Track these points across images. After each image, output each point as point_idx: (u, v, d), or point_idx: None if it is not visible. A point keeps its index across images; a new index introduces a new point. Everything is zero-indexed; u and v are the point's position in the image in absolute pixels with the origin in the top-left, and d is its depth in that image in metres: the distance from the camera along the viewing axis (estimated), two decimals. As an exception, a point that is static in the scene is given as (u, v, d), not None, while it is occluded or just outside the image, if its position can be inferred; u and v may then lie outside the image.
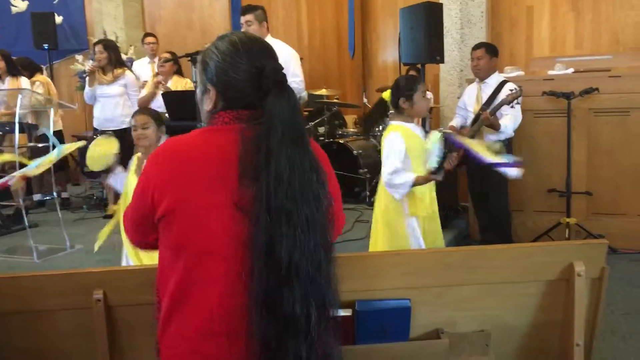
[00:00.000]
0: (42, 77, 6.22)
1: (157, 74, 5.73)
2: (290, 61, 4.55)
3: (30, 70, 6.10)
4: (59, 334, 1.84)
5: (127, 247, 3.05)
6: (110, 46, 5.68)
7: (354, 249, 4.24)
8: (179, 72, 5.76)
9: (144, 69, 6.30)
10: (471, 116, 4.56)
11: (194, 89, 5.36)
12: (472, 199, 4.89)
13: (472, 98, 4.62)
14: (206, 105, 1.39)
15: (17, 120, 4.37)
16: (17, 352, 1.83)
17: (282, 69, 1.38)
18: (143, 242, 1.48)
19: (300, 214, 1.26)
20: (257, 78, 1.34)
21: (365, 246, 3.78)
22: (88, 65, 5.74)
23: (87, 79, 5.68)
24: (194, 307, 1.30)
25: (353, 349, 1.80)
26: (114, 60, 5.61)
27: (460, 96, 5.04)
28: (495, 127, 4.24)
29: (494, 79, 4.51)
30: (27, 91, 4.71)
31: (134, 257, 2.97)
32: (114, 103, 5.64)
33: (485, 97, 4.47)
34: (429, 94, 5.62)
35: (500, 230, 4.51)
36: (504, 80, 4.49)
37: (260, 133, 1.28)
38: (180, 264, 1.31)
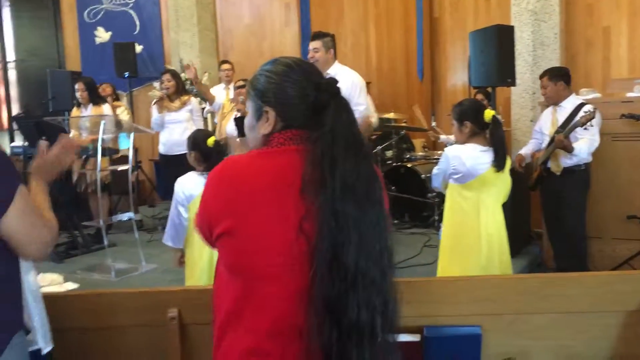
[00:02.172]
0: (122, 103, 6.61)
1: (232, 101, 5.95)
2: (354, 89, 4.58)
3: (115, 96, 6.55)
4: (134, 350, 1.91)
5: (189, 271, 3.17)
6: (177, 75, 6.05)
7: (422, 274, 4.18)
8: None
9: (220, 94, 6.59)
10: (547, 139, 4.43)
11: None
12: (546, 224, 4.73)
13: (547, 122, 4.50)
14: (263, 129, 1.40)
15: (99, 144, 4.61)
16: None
17: (337, 82, 1.40)
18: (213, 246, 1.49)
19: (366, 220, 1.28)
20: (314, 94, 1.36)
21: (434, 271, 3.72)
22: (158, 92, 6.04)
23: (155, 106, 5.95)
24: (247, 327, 1.32)
25: (421, 375, 1.78)
26: (181, 87, 5.96)
27: (534, 119, 4.92)
28: (568, 149, 4.12)
29: (570, 102, 4.36)
30: (109, 117, 4.97)
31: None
32: (182, 128, 5.88)
33: (561, 120, 4.34)
34: (499, 117, 5.52)
35: (576, 258, 4.34)
36: (582, 102, 4.34)
37: (323, 144, 1.30)
38: (236, 284, 1.33)
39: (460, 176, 3.04)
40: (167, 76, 5.92)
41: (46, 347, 1.59)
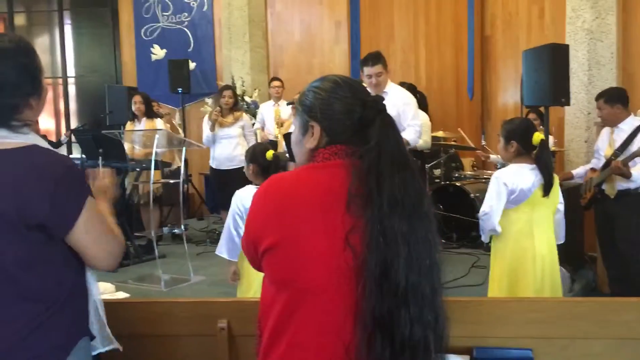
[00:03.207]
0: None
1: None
2: (409, 106, 4.64)
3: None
4: (185, 358, 1.95)
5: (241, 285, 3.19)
6: (236, 92, 6.36)
7: (469, 295, 4.10)
8: None
9: (269, 111, 6.75)
10: (603, 160, 4.31)
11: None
12: (600, 247, 4.58)
13: (605, 142, 4.37)
14: (309, 143, 1.42)
15: (153, 158, 4.74)
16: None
17: (383, 99, 1.43)
18: (257, 267, 1.51)
19: (416, 234, 1.28)
20: (360, 110, 1.39)
21: (482, 293, 3.66)
22: (209, 108, 6.25)
23: (209, 124, 6.08)
24: (292, 342, 1.31)
25: (470, 397, 1.75)
26: (236, 104, 6.18)
27: (588, 140, 4.78)
28: (625, 176, 4.00)
29: (628, 124, 4.22)
30: (163, 131, 5.10)
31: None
32: (234, 143, 6.04)
33: (618, 141, 4.21)
34: (551, 138, 5.41)
35: (632, 282, 4.18)
36: (641, 125, 4.20)
37: (370, 159, 1.31)
38: (282, 299, 1.33)
39: (515, 196, 2.95)
40: (229, 92, 6.11)
41: (104, 347, 1.65)
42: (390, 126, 1.37)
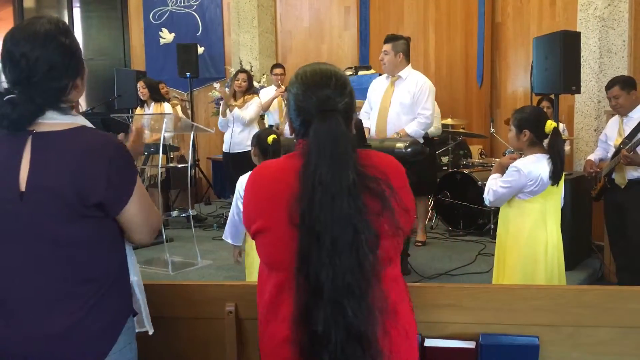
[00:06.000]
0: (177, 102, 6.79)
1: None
2: (422, 94, 4.69)
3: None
4: (192, 340, 1.97)
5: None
6: (251, 77, 6.29)
7: (476, 282, 4.12)
8: None
9: (270, 97, 6.71)
10: (612, 150, 4.29)
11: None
12: (609, 237, 4.57)
13: (614, 131, 4.35)
14: (289, 132, 1.54)
15: (162, 141, 4.74)
16: (157, 356, 1.98)
17: (336, 99, 1.44)
18: None
19: (326, 237, 1.31)
20: (308, 107, 1.44)
21: (489, 280, 3.67)
22: (224, 91, 6.18)
23: (220, 108, 6.07)
24: (282, 317, 1.40)
25: (475, 383, 1.76)
26: (250, 88, 6.13)
27: (598, 129, 4.76)
28: (635, 163, 3.97)
29: (638, 112, 4.21)
30: (171, 115, 5.09)
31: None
32: (241, 127, 6.01)
33: (627, 130, 4.19)
34: (562, 126, 5.38)
35: (639, 271, 4.18)
36: (651, 113, 4.18)
37: (304, 158, 1.38)
38: (272, 278, 1.44)
39: (535, 187, 2.91)
40: (243, 76, 6.12)
41: (150, 330, 1.67)
42: (325, 127, 1.38)
